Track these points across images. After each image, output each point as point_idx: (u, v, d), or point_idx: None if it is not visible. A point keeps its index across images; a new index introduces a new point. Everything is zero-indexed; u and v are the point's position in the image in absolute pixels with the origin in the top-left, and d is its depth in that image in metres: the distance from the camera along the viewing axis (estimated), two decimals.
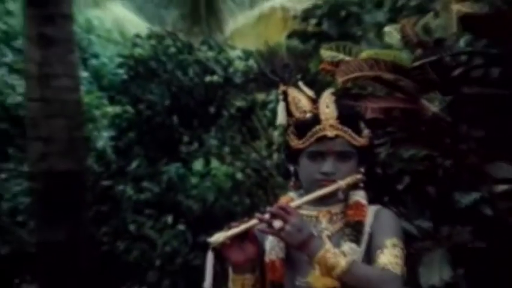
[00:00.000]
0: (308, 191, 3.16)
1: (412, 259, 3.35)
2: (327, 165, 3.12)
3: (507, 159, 3.70)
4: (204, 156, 9.24)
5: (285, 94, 3.24)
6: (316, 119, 3.15)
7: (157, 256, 9.01)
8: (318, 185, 3.13)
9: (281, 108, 3.25)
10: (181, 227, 9.13)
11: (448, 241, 3.73)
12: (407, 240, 3.30)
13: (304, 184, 3.21)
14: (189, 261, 8.81)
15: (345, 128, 3.15)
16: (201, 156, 9.51)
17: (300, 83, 3.26)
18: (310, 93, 3.23)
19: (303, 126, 3.18)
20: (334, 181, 3.12)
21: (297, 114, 3.20)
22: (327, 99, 3.20)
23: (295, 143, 3.21)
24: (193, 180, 9.21)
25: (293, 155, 3.25)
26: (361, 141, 3.18)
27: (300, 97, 3.22)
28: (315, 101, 3.21)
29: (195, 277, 8.74)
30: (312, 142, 3.15)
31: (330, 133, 3.13)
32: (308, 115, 3.18)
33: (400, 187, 3.97)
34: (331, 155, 3.14)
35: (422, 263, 3.64)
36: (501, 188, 3.63)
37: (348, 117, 3.18)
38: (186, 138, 9.54)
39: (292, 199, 3.19)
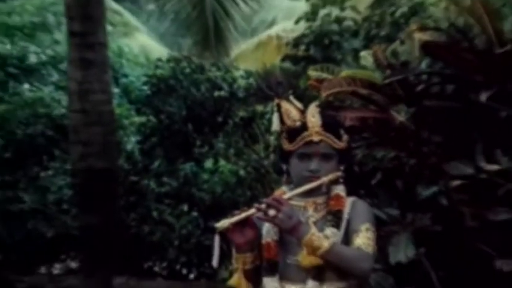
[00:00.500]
0: (297, 186, 3.16)
1: (382, 240, 3.33)
2: (313, 165, 3.14)
3: (460, 159, 3.68)
4: (213, 156, 9.23)
5: (279, 106, 3.24)
6: (304, 127, 3.16)
7: (176, 237, 9.02)
8: (305, 181, 3.14)
9: (275, 117, 3.25)
10: (194, 214, 9.15)
11: (411, 226, 3.72)
12: (379, 225, 3.30)
13: (294, 179, 3.21)
14: (201, 241, 8.81)
15: (328, 134, 3.16)
16: (211, 157, 9.51)
17: (291, 97, 3.26)
18: (299, 105, 3.23)
19: (293, 133, 3.18)
20: (318, 177, 3.13)
21: (289, 122, 3.20)
22: (312, 111, 3.20)
23: (287, 146, 3.21)
24: (205, 176, 9.22)
25: (285, 156, 3.25)
26: (340, 144, 3.19)
27: (291, 109, 3.22)
28: (303, 112, 3.21)
29: (206, 254, 8.76)
30: (300, 145, 3.16)
31: (316, 138, 3.14)
32: (297, 123, 3.18)
33: (373, 182, 3.96)
34: (317, 156, 3.15)
35: (390, 244, 3.62)
36: (455, 183, 3.61)
37: (330, 125, 3.19)
38: (198, 142, 9.54)
39: (284, 192, 3.19)
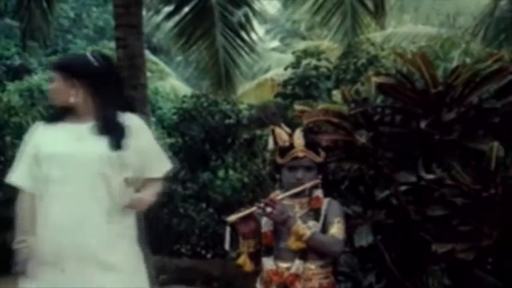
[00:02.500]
0: (287, 190, 3.17)
1: (349, 230, 3.31)
2: (299, 174, 3.14)
3: (406, 170, 3.67)
4: (224, 168, 9.22)
5: (273, 131, 3.24)
6: (292, 146, 3.18)
7: (197, 227, 8.98)
8: (293, 186, 3.15)
9: (271, 139, 3.27)
10: (211, 210, 9.10)
11: (371, 219, 3.70)
12: (347, 218, 3.28)
13: (285, 185, 3.22)
14: (216, 230, 8.75)
15: (309, 151, 3.16)
16: (223, 168, 9.49)
17: (282, 125, 3.27)
18: (288, 130, 3.25)
19: (283, 150, 3.19)
20: (303, 184, 3.13)
21: (280, 143, 3.21)
22: (298, 134, 3.22)
23: (279, 160, 3.22)
24: (218, 182, 9.20)
25: (278, 167, 3.26)
26: (319, 159, 3.19)
27: (282, 133, 3.23)
28: (291, 135, 3.21)
29: (219, 240, 8.70)
30: (289, 160, 3.17)
31: (300, 154, 3.15)
32: (287, 143, 3.19)
33: (342, 187, 3.94)
34: (301, 168, 3.15)
35: (355, 233, 3.60)
36: (402, 188, 3.61)
37: (310, 144, 3.20)
38: (213, 157, 9.51)
39: (278, 194, 3.19)
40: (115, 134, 3.23)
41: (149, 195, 3.34)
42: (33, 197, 3.29)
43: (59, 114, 3.37)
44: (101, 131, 3.24)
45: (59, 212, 3.17)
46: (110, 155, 3.19)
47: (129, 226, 3.33)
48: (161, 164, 3.47)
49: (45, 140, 3.29)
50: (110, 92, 3.31)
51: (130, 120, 3.32)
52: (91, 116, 3.28)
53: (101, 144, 3.21)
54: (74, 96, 3.26)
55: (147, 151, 3.37)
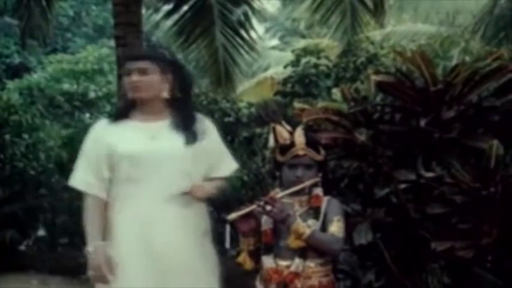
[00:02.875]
0: (287, 188, 3.17)
1: (349, 228, 3.31)
2: (299, 172, 3.14)
3: (406, 168, 3.67)
4: None
5: (274, 129, 3.23)
6: (292, 144, 3.16)
7: None
8: (293, 184, 3.14)
9: (271, 137, 3.26)
10: (211, 208, 9.08)
11: (370, 217, 3.70)
12: (346, 217, 3.28)
13: (285, 183, 3.21)
14: (215, 229, 8.73)
15: (310, 149, 3.16)
16: None
17: (283, 122, 3.26)
18: (289, 128, 3.23)
19: (284, 148, 3.18)
20: (302, 182, 3.12)
21: (281, 141, 3.20)
22: (299, 132, 3.21)
23: (279, 158, 3.22)
24: None
25: (278, 165, 3.25)
26: (319, 157, 3.19)
27: (283, 131, 3.22)
28: (291, 133, 3.21)
29: (219, 238, 8.70)
30: (289, 158, 3.16)
31: (301, 152, 3.15)
32: (287, 141, 3.18)
33: (342, 185, 3.94)
34: (301, 166, 3.15)
35: (355, 231, 3.60)
36: (402, 186, 3.61)
37: (311, 143, 3.19)
38: None
39: (278, 192, 3.18)
40: (192, 132, 3.27)
41: (212, 186, 3.38)
42: (100, 200, 3.23)
43: (125, 111, 3.30)
44: (179, 127, 3.25)
45: (136, 212, 3.18)
46: (189, 152, 3.27)
47: (202, 221, 3.36)
48: (228, 164, 3.59)
49: (118, 140, 3.22)
50: (188, 89, 3.30)
51: (201, 119, 3.33)
52: (165, 113, 3.25)
53: (179, 142, 3.25)
54: (166, 90, 3.22)
55: (216, 150, 3.48)
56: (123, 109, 3.32)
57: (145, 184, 3.16)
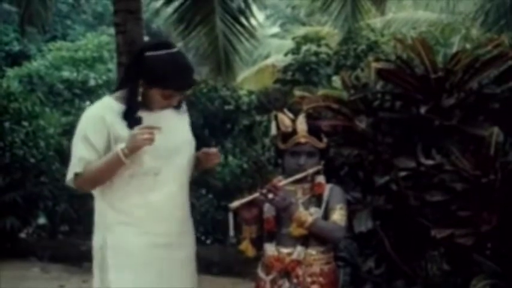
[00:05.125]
0: (289, 175, 3.18)
1: (349, 216, 3.32)
2: (301, 160, 3.16)
3: (406, 156, 3.68)
4: (224, 154, 9.19)
5: (276, 116, 3.24)
6: (294, 132, 3.17)
7: (197, 213, 8.93)
8: (295, 172, 3.16)
9: (273, 125, 3.27)
10: (210, 196, 9.12)
11: (370, 205, 3.72)
12: (347, 205, 3.28)
13: (286, 171, 3.23)
14: (215, 216, 8.80)
15: (312, 137, 3.17)
16: (222, 154, 9.49)
17: (285, 110, 3.27)
18: (291, 115, 3.24)
19: (286, 136, 3.20)
20: (305, 170, 3.14)
21: (283, 128, 3.21)
22: (301, 120, 3.22)
23: (281, 146, 3.23)
24: (217, 168, 9.16)
25: (280, 153, 3.27)
26: (321, 145, 3.20)
27: (285, 118, 3.22)
28: (293, 121, 3.21)
29: (218, 226, 8.76)
30: (291, 145, 3.16)
31: (303, 140, 3.16)
32: (289, 129, 3.19)
33: (342, 173, 3.95)
34: (303, 153, 3.16)
35: (355, 218, 3.62)
36: (402, 173, 3.62)
37: (313, 130, 3.19)
38: (213, 143, 9.47)
39: (280, 180, 3.18)
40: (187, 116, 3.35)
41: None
42: None
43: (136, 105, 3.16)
44: (180, 113, 3.30)
45: (148, 202, 3.16)
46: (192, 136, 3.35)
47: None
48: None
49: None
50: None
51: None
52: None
53: (187, 129, 3.32)
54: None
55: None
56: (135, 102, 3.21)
57: (162, 175, 3.18)
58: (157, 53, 3.06)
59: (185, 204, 3.32)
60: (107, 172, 3.10)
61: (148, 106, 3.16)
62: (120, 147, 3.02)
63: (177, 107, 3.28)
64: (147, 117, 3.12)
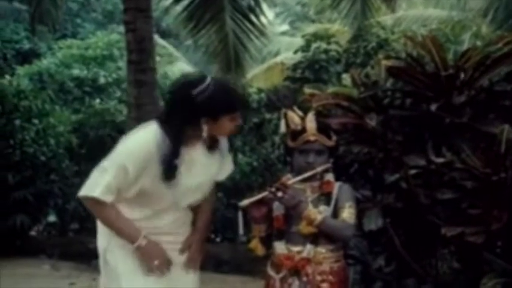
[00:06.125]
0: (298, 173, 3.19)
1: (359, 214, 3.31)
2: (310, 158, 3.16)
3: (416, 153, 3.67)
4: (233, 152, 9.20)
5: (285, 114, 3.24)
6: (303, 130, 3.17)
7: None
8: (304, 170, 3.16)
9: (283, 122, 3.26)
10: (219, 194, 9.10)
11: (380, 203, 3.70)
12: (357, 203, 3.28)
13: (296, 169, 3.23)
14: (224, 214, 8.80)
15: (321, 135, 3.16)
16: (232, 152, 9.47)
17: (295, 108, 3.27)
18: (301, 113, 3.24)
19: (295, 134, 3.20)
20: (313, 168, 3.13)
21: (292, 126, 3.21)
22: (310, 117, 3.22)
23: (290, 143, 3.23)
24: None
25: (289, 151, 3.27)
26: (330, 143, 3.19)
27: (294, 116, 3.23)
28: (303, 118, 3.21)
29: (228, 224, 8.76)
30: (301, 143, 3.16)
31: (312, 138, 3.15)
32: (299, 127, 3.19)
33: (351, 170, 3.94)
34: (312, 151, 3.16)
35: (365, 216, 3.61)
36: (412, 171, 3.61)
37: (322, 128, 3.19)
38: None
39: (289, 178, 3.18)
40: (220, 152, 3.31)
41: (200, 242, 3.39)
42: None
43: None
44: (211, 151, 3.25)
45: (159, 225, 3.21)
46: (217, 174, 3.35)
47: None
48: (227, 168, 3.47)
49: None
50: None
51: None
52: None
53: (214, 168, 3.29)
54: None
55: (226, 161, 3.45)
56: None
57: (174, 207, 3.23)
58: (204, 87, 3.01)
59: (190, 216, 3.35)
60: (117, 232, 3.13)
61: (207, 140, 3.16)
62: (143, 242, 3.09)
63: (212, 146, 3.23)
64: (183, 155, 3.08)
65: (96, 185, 3.02)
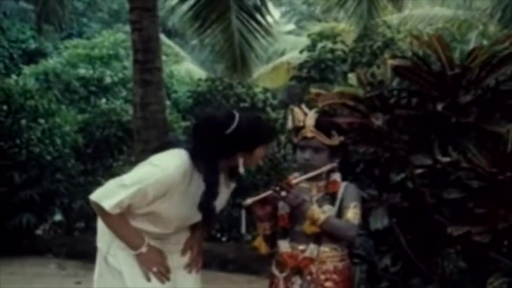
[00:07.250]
0: (299, 170, 3.21)
1: (364, 213, 3.31)
2: (307, 155, 3.16)
3: (422, 153, 3.66)
4: None
5: (292, 111, 3.26)
6: (303, 126, 3.17)
7: None
8: (302, 166, 3.20)
9: (290, 119, 3.29)
10: None
11: (386, 202, 3.70)
12: (362, 202, 3.28)
13: (297, 165, 3.27)
14: (230, 213, 8.76)
15: (319, 133, 3.16)
16: None
17: (303, 105, 3.30)
18: (307, 110, 3.26)
19: (297, 130, 3.20)
20: (311, 165, 3.16)
21: (296, 122, 3.22)
22: (311, 115, 3.22)
23: (294, 139, 3.26)
24: None
25: (294, 148, 3.29)
26: (329, 142, 3.19)
27: (299, 113, 3.24)
28: (306, 115, 3.23)
29: (234, 223, 8.75)
30: (300, 139, 3.18)
31: (309, 134, 3.18)
32: (301, 123, 3.21)
33: (357, 170, 3.94)
34: (309, 148, 3.17)
35: (371, 216, 3.61)
36: (418, 170, 3.61)
37: (321, 126, 3.19)
38: None
39: (296, 177, 3.19)
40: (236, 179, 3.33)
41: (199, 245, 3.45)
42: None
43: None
44: (228, 179, 3.29)
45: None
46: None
47: None
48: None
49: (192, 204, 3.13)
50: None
51: None
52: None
53: (227, 195, 3.33)
54: None
55: None
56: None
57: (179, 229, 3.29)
58: (236, 125, 3.04)
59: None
60: (120, 238, 3.14)
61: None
62: (144, 249, 3.11)
63: (232, 174, 3.26)
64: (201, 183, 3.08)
65: (109, 197, 3.00)
